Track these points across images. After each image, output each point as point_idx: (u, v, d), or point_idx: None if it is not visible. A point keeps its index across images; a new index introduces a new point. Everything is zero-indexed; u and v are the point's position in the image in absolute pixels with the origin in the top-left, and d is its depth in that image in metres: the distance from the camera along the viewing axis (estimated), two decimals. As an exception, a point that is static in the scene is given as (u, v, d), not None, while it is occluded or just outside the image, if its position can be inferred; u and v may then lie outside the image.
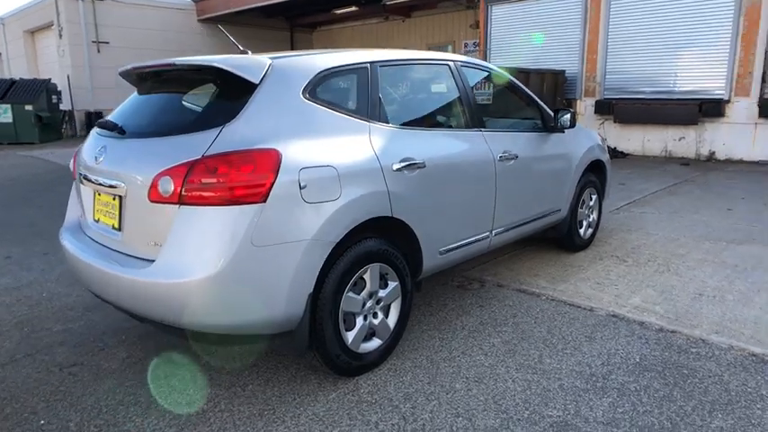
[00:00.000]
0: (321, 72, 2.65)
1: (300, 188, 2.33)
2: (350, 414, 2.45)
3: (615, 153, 10.98)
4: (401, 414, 2.44)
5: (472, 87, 3.56)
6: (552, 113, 4.12)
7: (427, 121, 3.34)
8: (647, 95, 10.93)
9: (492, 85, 4.01)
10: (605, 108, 11.39)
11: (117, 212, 2.54)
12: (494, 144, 3.49)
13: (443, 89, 3.44)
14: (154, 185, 2.28)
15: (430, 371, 2.79)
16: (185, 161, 2.23)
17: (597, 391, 2.58)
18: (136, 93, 2.96)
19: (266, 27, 23.38)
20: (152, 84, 2.89)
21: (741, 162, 9.92)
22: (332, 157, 2.50)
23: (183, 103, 2.68)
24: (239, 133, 2.29)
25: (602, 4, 11.29)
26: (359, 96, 2.80)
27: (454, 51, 18.02)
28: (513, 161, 3.60)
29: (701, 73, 10.28)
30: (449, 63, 3.47)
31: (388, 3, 17.64)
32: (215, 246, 2.19)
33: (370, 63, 2.91)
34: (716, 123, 10.18)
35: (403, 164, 2.80)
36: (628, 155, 11.19)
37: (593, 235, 4.86)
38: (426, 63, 3.41)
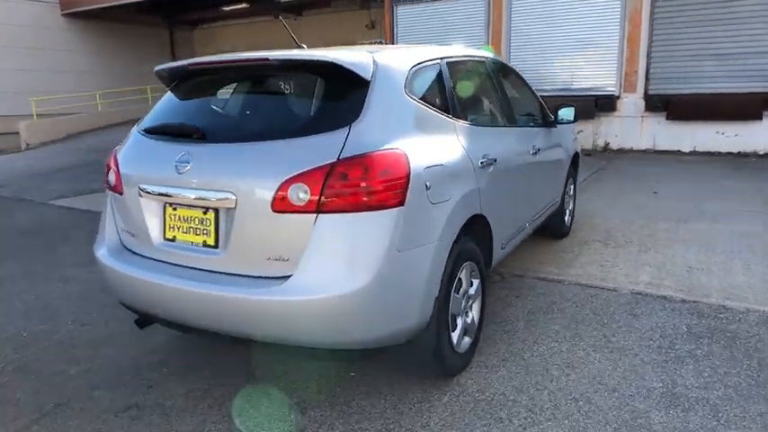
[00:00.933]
0: (413, 68, 2.58)
1: (426, 189, 2.27)
2: (476, 414, 2.44)
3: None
4: (524, 406, 2.48)
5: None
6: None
7: (488, 118, 3.39)
8: (548, 93, 11.84)
9: (509, 79, 4.15)
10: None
11: (212, 228, 2.27)
12: (528, 138, 3.64)
13: (489, 86, 3.50)
14: (280, 194, 2.08)
15: (519, 363, 2.86)
16: (320, 165, 2.06)
17: (676, 361, 2.82)
18: (189, 92, 2.65)
19: (141, 24, 21.72)
20: (230, 82, 2.61)
21: (632, 151, 11.16)
22: (439, 155, 2.46)
23: (285, 102, 2.45)
24: (367, 134, 2.16)
25: (504, 6, 12.06)
26: (441, 93, 2.78)
27: (351, 51, 18.10)
28: (538, 155, 3.77)
29: (595, 72, 11.40)
30: (485, 60, 3.55)
31: (282, 0, 17.28)
32: (363, 255, 2.06)
33: (440, 59, 2.89)
34: (609, 117, 11.35)
35: (483, 161, 2.83)
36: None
37: (571, 222, 5.23)
38: (473, 60, 3.44)
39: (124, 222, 2.58)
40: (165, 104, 2.67)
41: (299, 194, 2.06)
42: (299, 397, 2.63)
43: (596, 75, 11.38)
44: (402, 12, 13.36)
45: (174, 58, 23.03)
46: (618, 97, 11.15)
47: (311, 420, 2.45)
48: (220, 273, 2.25)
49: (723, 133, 10.30)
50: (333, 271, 2.05)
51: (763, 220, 5.46)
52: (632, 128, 11.20)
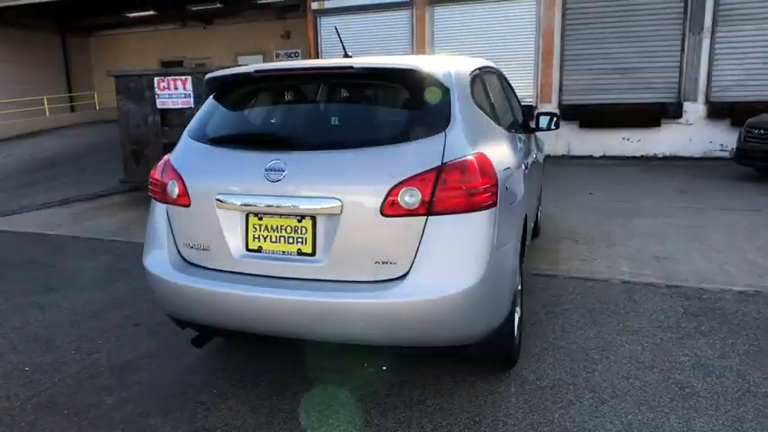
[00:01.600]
0: (470, 76, 2.72)
1: (506, 190, 2.42)
2: (548, 399, 2.62)
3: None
4: (586, 388, 2.70)
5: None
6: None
7: (509, 123, 3.60)
8: (472, 103, 12.52)
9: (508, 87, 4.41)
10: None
11: (309, 236, 2.25)
12: (528, 142, 3.92)
13: (504, 93, 3.72)
14: (390, 198, 2.13)
15: (559, 350, 3.08)
16: (428, 169, 2.14)
17: (689, 337, 3.19)
18: (249, 100, 2.59)
19: (29, 28, 19.86)
20: (306, 89, 2.58)
21: (550, 157, 12.06)
22: (505, 159, 2.62)
23: (373, 109, 2.47)
24: (460, 139, 2.27)
25: (427, 18, 12.56)
26: (487, 100, 2.94)
27: (265, 61, 17.87)
28: (533, 158, 4.06)
29: (515, 83, 12.18)
30: (497, 69, 3.77)
31: (193, 8, 16.66)
32: (472, 253, 2.16)
33: (480, 69, 3.05)
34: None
35: (524, 164, 3.04)
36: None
37: (540, 222, 5.63)
38: (491, 69, 3.64)
39: (189, 236, 2.46)
40: (224, 112, 2.58)
41: (409, 198, 2.12)
42: (371, 401, 2.65)
43: (516, 86, 12.16)
44: (326, 23, 13.45)
45: (67, 67, 21.29)
46: (535, 107, 12.00)
47: (397, 422, 2.48)
48: (320, 280, 2.24)
49: (628, 139, 11.47)
50: (446, 270, 2.14)
51: (693, 214, 6.22)
52: (548, 135, 12.09)
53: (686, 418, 2.44)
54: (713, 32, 10.60)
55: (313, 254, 2.26)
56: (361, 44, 13.12)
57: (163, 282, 2.47)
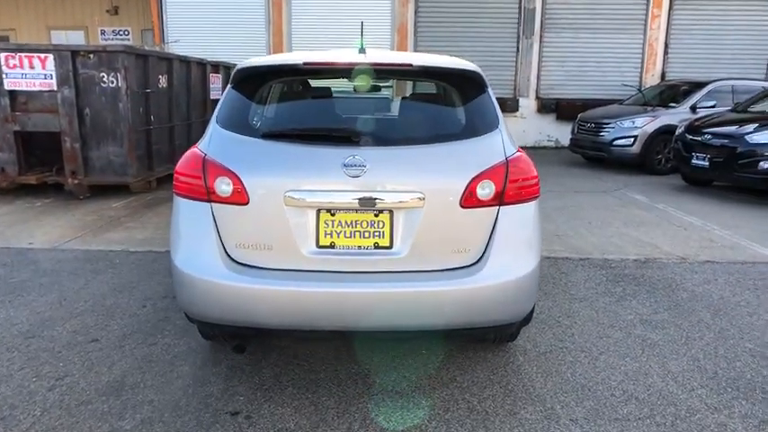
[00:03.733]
0: None
1: None
2: (552, 362, 3.01)
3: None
4: (576, 350, 3.15)
5: None
6: None
7: None
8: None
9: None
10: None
11: (387, 229, 2.29)
12: None
13: None
14: (469, 190, 2.28)
15: (534, 321, 3.51)
16: (498, 163, 2.33)
17: (623, 300, 3.88)
18: (292, 92, 2.48)
19: None
20: (358, 83, 2.51)
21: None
22: None
23: (432, 105, 2.52)
24: (507, 136, 2.50)
25: (284, 8, 12.34)
26: None
27: (87, 39, 15.83)
28: None
29: (374, 75, 12.67)
30: None
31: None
32: (533, 239, 2.42)
33: None
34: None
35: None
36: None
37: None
38: None
39: (245, 236, 2.30)
40: (272, 105, 2.44)
41: (485, 190, 2.30)
42: (408, 385, 2.77)
43: (375, 78, 12.66)
44: (172, 2, 12.41)
45: None
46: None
47: (444, 400, 2.65)
48: (399, 272, 2.30)
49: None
50: (515, 255, 2.37)
51: (558, 197, 7.27)
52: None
53: (661, 363, 3.03)
54: (541, 37, 12.25)
55: (390, 246, 2.31)
56: (212, 26, 12.41)
57: (214, 286, 2.28)
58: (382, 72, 2.56)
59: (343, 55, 2.48)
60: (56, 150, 6.61)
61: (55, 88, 6.31)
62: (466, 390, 2.75)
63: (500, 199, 2.34)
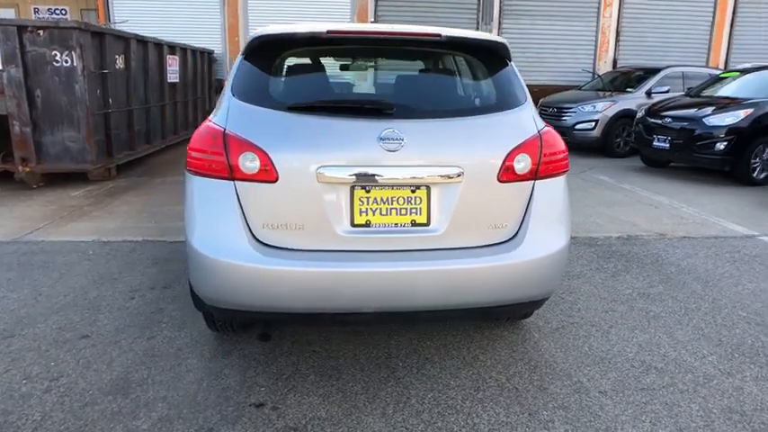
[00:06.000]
0: None
1: None
2: (568, 337, 3.02)
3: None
4: (587, 324, 3.18)
5: None
6: None
7: None
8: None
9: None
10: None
11: (424, 205, 2.19)
12: None
13: None
14: (507, 164, 2.22)
15: (566, 304, 3.52)
16: (532, 137, 2.28)
17: (617, 275, 3.95)
18: (313, 64, 2.33)
19: None
20: (384, 54, 2.37)
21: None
22: None
23: (460, 78, 2.41)
24: (534, 110, 2.45)
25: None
26: None
27: (18, 17, 14.71)
28: None
29: (333, 60, 12.43)
30: None
31: None
32: (564, 213, 2.39)
33: None
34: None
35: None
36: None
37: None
38: None
39: (273, 215, 2.14)
40: (294, 77, 2.28)
41: (521, 164, 2.25)
42: (432, 367, 2.71)
43: (334, 63, 12.43)
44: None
45: None
46: (353, 84, 12.44)
47: (472, 380, 2.61)
48: (437, 249, 2.21)
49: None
50: (550, 230, 2.33)
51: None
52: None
53: (669, 334, 3.10)
54: (500, 24, 12.37)
55: (428, 223, 2.22)
56: (164, 8, 11.82)
57: (242, 269, 2.11)
58: (408, 42, 2.44)
59: (368, 25, 2.35)
60: (3, 136, 6.09)
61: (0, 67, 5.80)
62: (491, 368, 2.71)
63: (535, 173, 2.30)
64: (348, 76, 2.49)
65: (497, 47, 2.43)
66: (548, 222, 2.34)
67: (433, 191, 2.21)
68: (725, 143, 7.00)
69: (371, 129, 2.17)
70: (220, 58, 12.13)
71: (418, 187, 2.20)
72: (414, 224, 2.22)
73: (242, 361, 2.74)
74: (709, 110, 7.30)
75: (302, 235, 2.17)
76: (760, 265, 4.23)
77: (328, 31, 2.25)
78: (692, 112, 7.54)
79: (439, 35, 2.29)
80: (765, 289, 3.76)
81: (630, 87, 9.92)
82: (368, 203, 2.18)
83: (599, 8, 12.49)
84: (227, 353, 2.81)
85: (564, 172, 2.43)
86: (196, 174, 2.23)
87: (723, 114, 7.09)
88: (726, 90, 8.11)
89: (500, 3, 12.25)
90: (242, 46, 11.93)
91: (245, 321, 2.55)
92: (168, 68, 8.72)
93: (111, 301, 3.40)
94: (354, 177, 2.16)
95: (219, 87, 11.96)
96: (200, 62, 10.73)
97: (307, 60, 2.46)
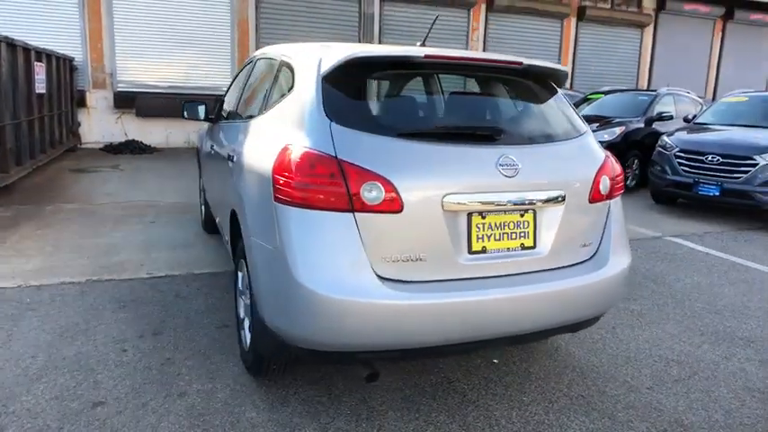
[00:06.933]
0: None
1: None
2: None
3: (143, 147, 11.02)
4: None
5: None
6: None
7: None
8: (166, 90, 11.43)
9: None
10: (127, 101, 11.10)
11: (531, 229, 2.23)
12: None
13: None
14: (595, 186, 2.35)
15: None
16: (604, 159, 2.45)
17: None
18: (398, 87, 2.23)
19: None
20: (470, 79, 2.33)
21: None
22: None
23: (537, 105, 2.44)
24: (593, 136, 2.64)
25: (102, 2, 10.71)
26: None
27: None
28: None
29: (214, 71, 11.76)
30: None
31: None
32: (625, 230, 2.59)
33: None
34: (228, 116, 11.99)
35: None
36: (155, 149, 11.39)
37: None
38: None
39: (394, 248, 2.00)
40: (395, 100, 2.18)
41: (604, 185, 2.40)
42: (502, 384, 2.74)
43: (214, 75, 11.78)
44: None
45: None
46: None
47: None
48: (541, 271, 2.26)
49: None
50: (623, 244, 2.52)
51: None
52: (249, 126, 12.19)
53: (661, 328, 3.49)
54: (380, 41, 12.74)
55: (534, 246, 2.26)
56: (17, 7, 10.21)
57: (371, 307, 1.95)
58: (490, 69, 2.48)
59: (458, 51, 2.34)
60: None
61: None
62: (547, 379, 2.82)
63: (610, 193, 2.47)
64: (439, 99, 2.44)
65: (563, 74, 2.57)
66: (620, 238, 2.53)
67: (539, 214, 2.27)
68: (605, 155, 8.03)
69: (489, 155, 2.17)
70: (81, 66, 10.78)
71: (527, 211, 2.24)
72: (523, 247, 2.25)
73: (306, 406, 2.51)
74: (594, 126, 8.33)
75: (423, 266, 2.07)
76: (682, 261, 4.96)
77: (426, 56, 2.19)
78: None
79: (520, 63, 2.36)
80: (701, 282, 4.42)
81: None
82: (483, 229, 2.16)
83: (468, 31, 13.51)
84: (284, 399, 2.55)
85: (619, 192, 2.64)
86: (299, 206, 2.01)
87: (602, 132, 8.14)
88: (594, 109, 9.30)
89: (380, 21, 12.65)
90: (108, 53, 10.79)
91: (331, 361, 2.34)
92: (36, 77, 7.55)
93: (99, 357, 2.86)
94: (477, 204, 2.13)
95: (82, 100, 10.66)
96: (63, 71, 9.44)
97: (398, 83, 2.36)
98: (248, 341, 2.61)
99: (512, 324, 2.21)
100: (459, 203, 2.10)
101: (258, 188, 2.27)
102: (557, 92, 2.65)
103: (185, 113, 4.37)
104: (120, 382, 2.64)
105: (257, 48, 11.89)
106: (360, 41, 12.56)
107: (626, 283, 2.55)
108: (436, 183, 2.09)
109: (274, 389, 2.63)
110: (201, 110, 4.32)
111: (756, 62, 17.11)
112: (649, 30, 15.50)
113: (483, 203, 2.14)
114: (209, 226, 5.01)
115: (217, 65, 11.78)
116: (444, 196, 2.08)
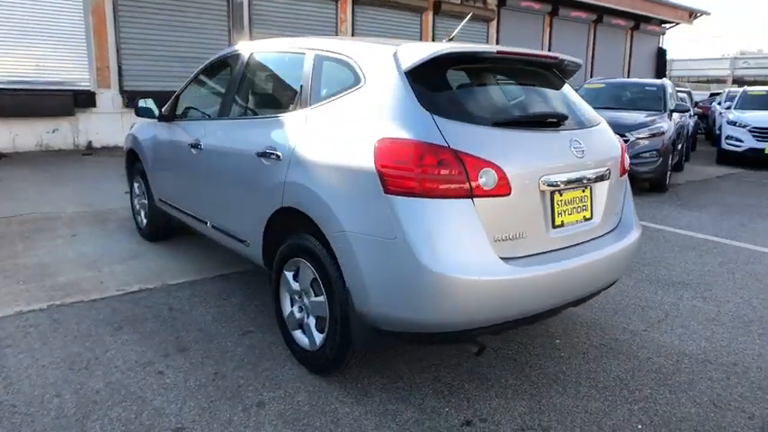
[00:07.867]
0: None
1: None
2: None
3: (-16, 153, 9.44)
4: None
5: None
6: None
7: None
8: (7, 85, 9.86)
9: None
10: (-43, 100, 9.36)
11: (589, 202, 2.55)
12: None
13: None
14: (622, 162, 2.76)
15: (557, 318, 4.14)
16: (621, 141, 2.87)
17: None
18: (480, 79, 2.43)
19: None
20: (521, 72, 2.68)
21: (117, 147, 11.08)
22: None
23: (565, 93, 2.74)
24: None
25: None
26: None
27: None
28: None
29: (67, 65, 10.38)
30: None
31: None
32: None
33: None
34: (87, 114, 10.72)
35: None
36: (3, 154, 9.79)
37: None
38: None
39: (503, 227, 2.18)
40: (478, 91, 2.39)
41: (627, 161, 2.81)
42: (500, 371, 3.04)
43: (68, 68, 10.43)
44: None
45: None
46: (95, 93, 10.71)
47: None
48: (595, 238, 2.60)
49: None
50: (634, 215, 2.94)
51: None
52: (113, 124, 11.06)
53: (647, 323, 4.10)
54: (251, 32, 12.34)
55: (591, 217, 2.58)
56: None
57: (497, 284, 2.11)
58: (533, 63, 2.77)
59: (518, 48, 2.55)
60: None
61: None
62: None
63: (625, 169, 2.89)
64: (507, 91, 2.63)
65: (577, 69, 2.93)
66: (632, 207, 2.97)
67: (594, 189, 2.60)
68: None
69: (564, 138, 2.47)
70: None
71: (586, 187, 2.55)
72: (585, 219, 2.56)
73: (388, 394, 2.56)
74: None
75: (523, 243, 2.27)
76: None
77: (498, 52, 2.41)
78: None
79: (556, 57, 2.69)
80: (679, 274, 5.19)
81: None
82: (562, 205, 2.43)
83: (336, 22, 13.65)
84: (365, 392, 2.57)
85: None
86: (419, 196, 2.07)
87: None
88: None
89: (249, 11, 12.22)
90: None
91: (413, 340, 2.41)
92: None
93: (137, 384, 2.58)
94: (562, 184, 2.39)
95: None
96: None
97: (475, 77, 2.51)
98: (319, 340, 2.58)
99: (585, 287, 2.52)
100: (551, 184, 2.34)
101: (352, 183, 2.25)
102: (565, 83, 3.01)
103: (139, 112, 4.01)
104: (184, 404, 2.44)
105: (117, 39, 10.79)
106: (230, 31, 12.04)
107: (635, 252, 2.95)
108: (534, 166, 2.31)
109: (348, 385, 2.62)
110: (154, 107, 4.00)
111: (579, 53, 19.81)
112: (494, 24, 17.10)
113: (565, 183, 2.42)
114: (158, 233, 4.60)
115: (71, 57, 10.44)
116: (540, 177, 2.32)
